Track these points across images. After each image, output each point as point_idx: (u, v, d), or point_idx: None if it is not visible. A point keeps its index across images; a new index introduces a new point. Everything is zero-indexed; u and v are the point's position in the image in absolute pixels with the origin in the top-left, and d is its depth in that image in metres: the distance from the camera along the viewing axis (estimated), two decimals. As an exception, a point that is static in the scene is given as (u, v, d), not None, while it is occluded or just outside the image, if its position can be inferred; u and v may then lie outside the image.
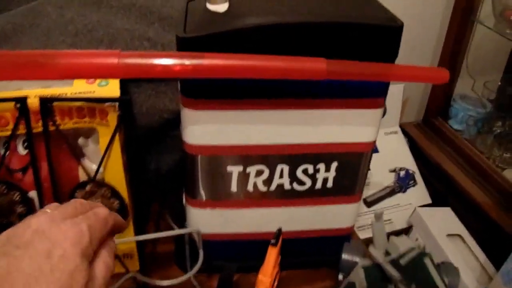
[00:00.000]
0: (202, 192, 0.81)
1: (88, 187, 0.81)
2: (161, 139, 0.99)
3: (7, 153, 0.78)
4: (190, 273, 0.84)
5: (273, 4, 0.72)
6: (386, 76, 0.64)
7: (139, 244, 0.89)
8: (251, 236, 0.88)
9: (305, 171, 0.80)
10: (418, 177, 1.31)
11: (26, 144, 0.78)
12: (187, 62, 0.60)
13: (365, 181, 0.85)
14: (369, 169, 0.85)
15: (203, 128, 0.74)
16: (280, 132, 0.76)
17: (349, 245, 0.82)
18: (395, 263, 0.69)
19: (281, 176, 0.81)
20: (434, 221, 1.12)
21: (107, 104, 0.74)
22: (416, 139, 1.44)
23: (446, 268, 0.74)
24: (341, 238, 0.91)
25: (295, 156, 0.79)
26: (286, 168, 0.80)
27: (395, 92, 1.36)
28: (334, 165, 0.80)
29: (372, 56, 0.67)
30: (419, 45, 1.42)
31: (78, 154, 0.81)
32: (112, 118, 0.76)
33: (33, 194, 0.82)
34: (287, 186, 0.82)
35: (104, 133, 0.77)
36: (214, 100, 0.72)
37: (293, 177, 0.81)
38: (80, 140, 0.81)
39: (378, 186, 1.25)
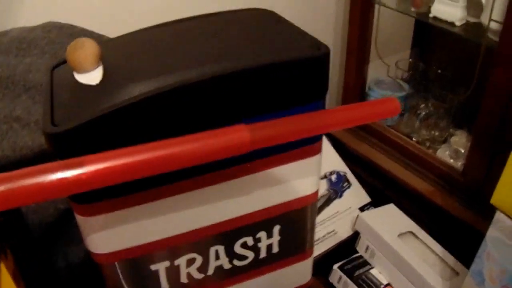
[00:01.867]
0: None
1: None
2: (63, 232, 0.81)
3: None
4: None
5: (158, 58, 0.57)
6: (324, 127, 0.50)
7: None
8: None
9: (244, 245, 0.67)
10: (351, 177, 1.23)
11: None
12: (62, 175, 0.44)
13: (314, 233, 0.72)
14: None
15: (107, 234, 0.58)
16: (205, 212, 0.61)
17: None
18: None
19: (217, 258, 0.67)
20: (381, 223, 1.06)
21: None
22: (339, 137, 1.34)
23: None
24: None
25: (228, 233, 0.65)
26: (221, 248, 0.65)
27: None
28: (277, 228, 0.67)
29: (298, 98, 0.54)
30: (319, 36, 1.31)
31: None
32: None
33: None
34: (226, 266, 0.68)
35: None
36: (111, 199, 0.55)
37: (231, 255, 0.68)
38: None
39: (313, 198, 1.13)
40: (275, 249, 0.69)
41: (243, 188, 0.61)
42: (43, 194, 0.44)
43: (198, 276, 0.67)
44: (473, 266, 0.84)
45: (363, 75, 1.33)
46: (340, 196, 1.19)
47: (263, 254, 0.68)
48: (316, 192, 0.67)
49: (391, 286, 1.00)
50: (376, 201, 1.20)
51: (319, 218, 1.14)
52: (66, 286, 0.85)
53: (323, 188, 1.17)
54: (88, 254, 0.81)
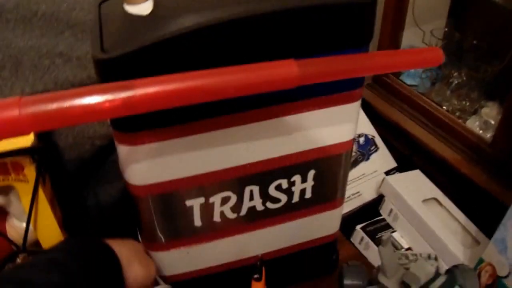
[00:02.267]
0: (161, 235, 0.67)
1: (19, 258, 0.65)
2: (98, 169, 0.83)
3: None
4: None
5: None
6: (369, 69, 0.51)
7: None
8: (229, 266, 0.75)
9: (278, 187, 0.67)
10: (378, 141, 1.22)
11: None
12: (112, 97, 0.45)
13: (346, 183, 0.72)
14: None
15: (148, 165, 0.59)
16: (243, 150, 0.62)
17: (349, 268, 0.70)
18: (413, 292, 0.57)
19: (251, 198, 0.67)
20: (406, 188, 1.06)
21: (20, 156, 0.58)
22: (370, 101, 1.33)
23: (462, 272, 0.63)
24: (328, 245, 0.81)
25: (264, 174, 0.65)
26: (256, 189, 0.66)
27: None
28: (311, 173, 0.67)
29: (343, 41, 0.54)
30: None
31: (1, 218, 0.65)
32: (30, 172, 0.60)
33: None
34: (259, 207, 0.69)
35: (24, 191, 0.61)
36: (155, 129, 0.56)
37: (265, 197, 0.68)
38: (0, 200, 0.64)
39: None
40: (308, 194, 0.69)
41: (281, 129, 0.61)
42: (93, 114, 0.45)
43: (231, 215, 0.68)
44: (497, 234, 0.84)
45: (397, 40, 1.32)
46: (367, 159, 1.19)
47: (296, 198, 0.69)
48: (352, 141, 0.67)
49: (412, 250, 1.00)
50: (402, 166, 1.19)
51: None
52: (96, 223, 0.86)
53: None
54: (118, 194, 0.83)
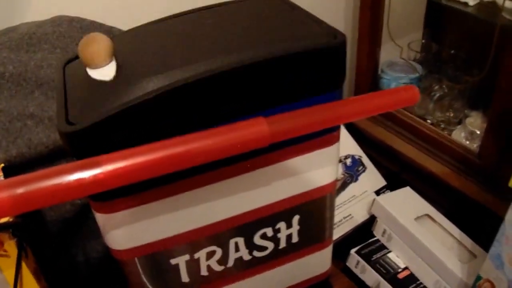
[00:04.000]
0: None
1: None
2: (81, 226, 0.81)
3: None
4: None
5: (172, 51, 0.56)
6: (343, 117, 0.49)
7: None
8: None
9: (263, 236, 0.66)
10: (366, 160, 1.22)
11: None
12: (80, 175, 0.43)
13: (333, 223, 0.71)
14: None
15: (127, 230, 0.58)
16: (224, 205, 0.61)
17: None
18: None
19: (237, 250, 0.66)
20: (397, 207, 1.06)
21: (-2, 233, 0.57)
22: (353, 121, 1.32)
23: None
24: (322, 283, 0.81)
25: (248, 225, 0.64)
26: (240, 240, 0.65)
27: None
28: (296, 218, 0.67)
29: (315, 87, 0.53)
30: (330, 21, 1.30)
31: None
32: (10, 247, 0.58)
33: None
34: (246, 257, 0.68)
35: (7, 265, 0.60)
36: (130, 196, 0.55)
37: (251, 246, 0.67)
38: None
39: (328, 183, 1.13)
40: (295, 239, 0.68)
41: (261, 179, 0.60)
42: (62, 195, 0.44)
43: (218, 268, 0.67)
44: (492, 250, 0.83)
45: (375, 58, 1.32)
46: (356, 180, 1.18)
47: (282, 244, 0.68)
48: (335, 182, 0.66)
49: (408, 269, 0.99)
50: (392, 184, 1.19)
51: (336, 203, 1.14)
52: (86, 281, 0.85)
53: (338, 172, 1.17)
54: (106, 248, 0.81)
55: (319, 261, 0.75)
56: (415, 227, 1.00)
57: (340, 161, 1.19)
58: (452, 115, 1.26)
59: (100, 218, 0.57)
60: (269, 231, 0.66)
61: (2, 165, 0.69)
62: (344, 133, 1.25)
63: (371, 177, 1.19)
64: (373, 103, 0.51)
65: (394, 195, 1.13)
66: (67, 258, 0.82)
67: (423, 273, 0.97)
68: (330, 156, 0.62)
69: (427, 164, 1.15)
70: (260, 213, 0.63)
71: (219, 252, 0.65)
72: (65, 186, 0.43)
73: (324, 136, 0.60)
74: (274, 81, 0.54)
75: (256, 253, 0.67)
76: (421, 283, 0.97)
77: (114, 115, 0.49)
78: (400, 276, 0.98)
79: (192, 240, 0.62)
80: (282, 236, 0.67)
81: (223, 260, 0.66)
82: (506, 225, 0.77)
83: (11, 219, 0.59)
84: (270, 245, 0.67)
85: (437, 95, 1.28)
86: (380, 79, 1.34)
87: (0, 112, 0.74)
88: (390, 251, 1.04)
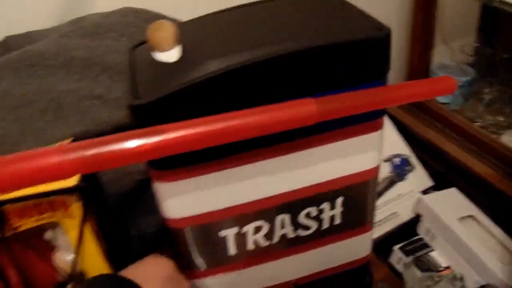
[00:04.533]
0: (197, 264, 0.71)
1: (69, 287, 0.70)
2: (138, 201, 0.87)
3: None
4: None
5: (231, 38, 0.61)
6: (385, 102, 0.53)
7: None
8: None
9: (308, 215, 0.70)
10: (414, 160, 1.24)
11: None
12: (145, 141, 0.49)
13: (374, 207, 0.74)
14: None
15: (183, 200, 0.63)
16: (273, 182, 0.65)
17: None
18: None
19: (282, 226, 0.70)
20: (442, 206, 1.07)
21: (66, 195, 0.63)
22: (403, 121, 1.36)
23: None
24: (361, 268, 0.83)
25: (294, 203, 0.68)
26: (287, 217, 0.69)
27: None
28: (340, 200, 0.70)
29: (359, 75, 0.57)
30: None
31: (49, 251, 0.70)
32: (76, 209, 0.64)
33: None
34: (291, 234, 0.72)
35: (71, 226, 0.66)
36: (189, 166, 0.60)
37: (296, 224, 0.71)
38: (48, 234, 0.70)
39: (376, 180, 1.15)
40: (337, 220, 0.72)
41: (308, 160, 0.64)
42: (128, 158, 0.49)
43: (264, 243, 0.71)
44: None
45: (427, 60, 1.33)
46: (403, 179, 1.20)
47: (325, 224, 0.72)
48: (377, 167, 0.69)
49: (450, 268, 1.01)
50: (438, 184, 1.20)
51: (382, 200, 1.16)
52: (138, 254, 0.91)
53: (386, 170, 1.19)
54: (159, 225, 0.87)
55: (359, 245, 0.78)
56: (458, 227, 1.01)
57: (389, 160, 1.22)
58: (502, 119, 1.27)
59: (159, 186, 0.62)
60: (313, 211, 0.69)
61: (72, 138, 0.75)
62: (393, 133, 1.28)
63: (418, 177, 1.21)
64: (414, 90, 0.54)
65: (440, 195, 1.14)
66: (122, 231, 0.88)
67: (464, 273, 0.98)
68: (373, 142, 0.66)
69: (474, 166, 1.17)
70: (306, 193, 0.67)
71: (266, 227, 0.69)
72: (131, 150, 0.48)
73: (368, 123, 0.63)
74: (323, 68, 0.58)
75: (300, 232, 0.71)
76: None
77: (177, 91, 0.54)
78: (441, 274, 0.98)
79: (242, 214, 0.66)
80: (326, 216, 0.71)
81: (269, 236, 0.70)
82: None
83: (77, 183, 0.65)
84: (313, 225, 0.71)
85: (488, 98, 1.29)
86: (431, 81, 1.36)
87: (70, 92, 0.81)
88: (433, 250, 1.06)
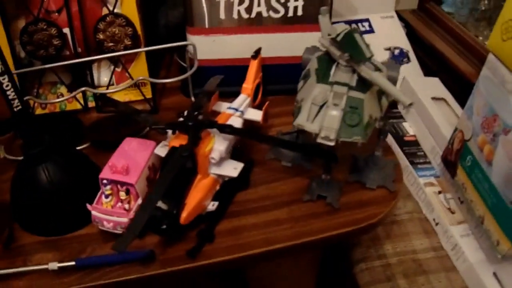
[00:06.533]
0: (197, 20, 1.02)
1: (108, 18, 1.01)
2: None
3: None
4: (187, 74, 1.06)
5: None
6: None
7: (152, 75, 1.10)
8: (235, 62, 1.07)
9: (278, 0, 1.00)
10: (411, 55, 1.37)
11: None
12: None
13: (332, 6, 1.01)
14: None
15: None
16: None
17: (309, 47, 0.90)
18: (333, 40, 0.81)
19: (258, 4, 1.00)
20: (421, 86, 1.18)
21: None
22: (412, 24, 1.51)
23: (391, 65, 0.85)
24: None
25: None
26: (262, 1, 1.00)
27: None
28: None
29: None
30: None
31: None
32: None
33: (66, 30, 1.03)
34: (264, 13, 1.01)
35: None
36: None
37: (268, 6, 1.00)
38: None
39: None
40: (299, 11, 1.00)
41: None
42: None
43: (244, 15, 1.01)
44: (468, 102, 0.90)
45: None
46: (397, 67, 1.33)
47: (290, 13, 1.00)
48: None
49: (415, 136, 1.17)
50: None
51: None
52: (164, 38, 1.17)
53: (384, 57, 1.33)
54: (181, 16, 1.14)
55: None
56: (430, 103, 1.13)
57: (390, 49, 1.37)
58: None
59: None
60: (282, -1, 0.98)
61: None
62: (400, 31, 1.43)
63: (412, 69, 1.34)
64: None
65: (422, 79, 1.28)
66: (154, 20, 1.18)
67: (425, 140, 1.12)
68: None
69: (462, 66, 1.30)
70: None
71: (246, 1, 1.00)
72: None
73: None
74: None
75: (271, 13, 1.00)
76: (420, 147, 1.14)
77: None
78: (406, 139, 1.16)
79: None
80: (291, 5, 0.99)
81: (248, 9, 1.00)
82: (479, 80, 0.86)
83: None
84: (281, 10, 1.00)
85: (482, 8, 1.41)
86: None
87: None
88: (405, 121, 1.22)
